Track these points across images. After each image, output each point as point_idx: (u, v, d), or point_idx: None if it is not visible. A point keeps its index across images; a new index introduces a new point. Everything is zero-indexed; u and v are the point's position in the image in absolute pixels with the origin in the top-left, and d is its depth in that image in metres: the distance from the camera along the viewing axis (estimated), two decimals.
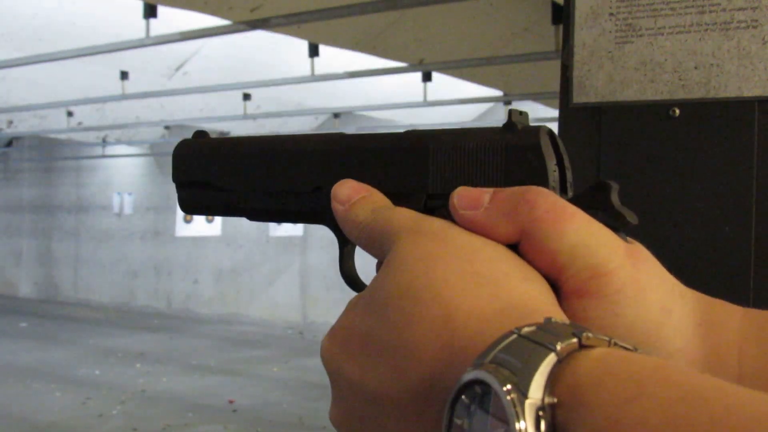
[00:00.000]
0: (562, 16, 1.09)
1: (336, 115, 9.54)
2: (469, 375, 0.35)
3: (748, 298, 0.97)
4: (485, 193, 0.46)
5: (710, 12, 0.99)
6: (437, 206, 0.50)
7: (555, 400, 0.33)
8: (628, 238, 0.46)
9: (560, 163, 0.49)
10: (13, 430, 6.54)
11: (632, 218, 0.46)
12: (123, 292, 14.20)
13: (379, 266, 0.48)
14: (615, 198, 0.46)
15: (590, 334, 0.35)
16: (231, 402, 7.38)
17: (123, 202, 13.84)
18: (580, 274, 0.43)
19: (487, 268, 0.42)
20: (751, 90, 0.98)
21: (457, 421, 0.35)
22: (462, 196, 0.46)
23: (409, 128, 0.55)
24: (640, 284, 0.44)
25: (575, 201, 0.46)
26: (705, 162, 1.00)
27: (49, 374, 8.51)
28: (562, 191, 0.49)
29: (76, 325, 12.13)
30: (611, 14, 1.04)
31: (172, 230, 12.44)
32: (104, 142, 13.05)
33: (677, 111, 1.01)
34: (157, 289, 13.78)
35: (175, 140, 11.12)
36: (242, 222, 12.43)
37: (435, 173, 0.51)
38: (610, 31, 1.04)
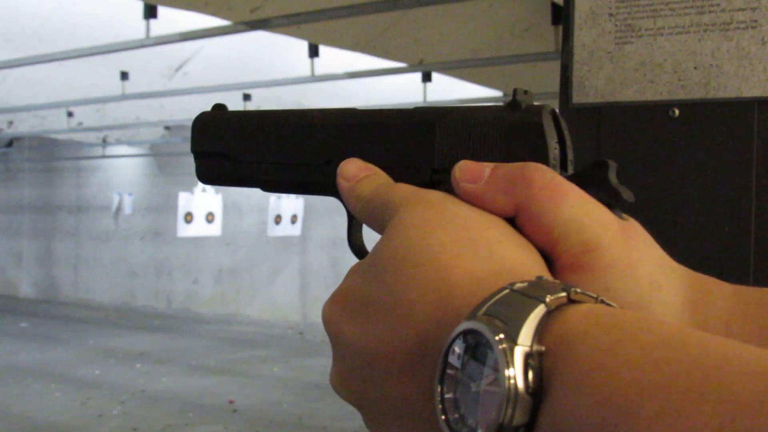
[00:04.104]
0: (562, 16, 1.09)
1: None
2: (463, 326, 0.36)
3: None
4: (486, 168, 0.48)
5: (710, 12, 0.99)
6: (442, 180, 0.52)
7: (543, 348, 0.35)
8: (623, 215, 0.48)
9: (562, 142, 0.51)
10: (13, 430, 6.54)
11: (628, 195, 0.47)
12: (123, 292, 14.20)
13: None
14: (612, 176, 0.48)
15: (578, 290, 0.37)
16: (231, 402, 7.38)
17: (123, 202, 13.84)
18: (573, 248, 0.45)
19: (483, 235, 0.44)
20: (751, 90, 0.98)
21: (450, 371, 0.37)
22: (463, 169, 0.48)
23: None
24: (631, 259, 0.45)
25: (573, 178, 0.48)
26: (705, 162, 1.00)
27: (49, 374, 8.51)
28: (563, 169, 0.51)
29: (76, 325, 12.13)
30: (611, 15, 1.04)
31: (172, 230, 12.43)
32: (104, 143, 13.04)
33: (677, 111, 1.02)
34: (157, 289, 13.78)
35: (176, 141, 11.22)
36: (242, 222, 12.44)
37: (440, 148, 0.53)
38: (610, 32, 1.04)
